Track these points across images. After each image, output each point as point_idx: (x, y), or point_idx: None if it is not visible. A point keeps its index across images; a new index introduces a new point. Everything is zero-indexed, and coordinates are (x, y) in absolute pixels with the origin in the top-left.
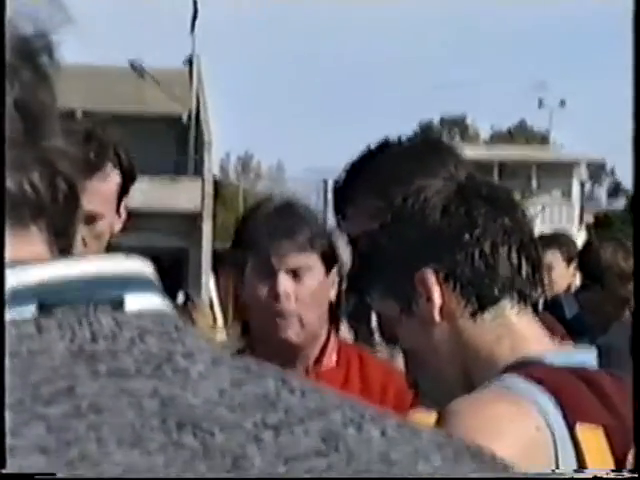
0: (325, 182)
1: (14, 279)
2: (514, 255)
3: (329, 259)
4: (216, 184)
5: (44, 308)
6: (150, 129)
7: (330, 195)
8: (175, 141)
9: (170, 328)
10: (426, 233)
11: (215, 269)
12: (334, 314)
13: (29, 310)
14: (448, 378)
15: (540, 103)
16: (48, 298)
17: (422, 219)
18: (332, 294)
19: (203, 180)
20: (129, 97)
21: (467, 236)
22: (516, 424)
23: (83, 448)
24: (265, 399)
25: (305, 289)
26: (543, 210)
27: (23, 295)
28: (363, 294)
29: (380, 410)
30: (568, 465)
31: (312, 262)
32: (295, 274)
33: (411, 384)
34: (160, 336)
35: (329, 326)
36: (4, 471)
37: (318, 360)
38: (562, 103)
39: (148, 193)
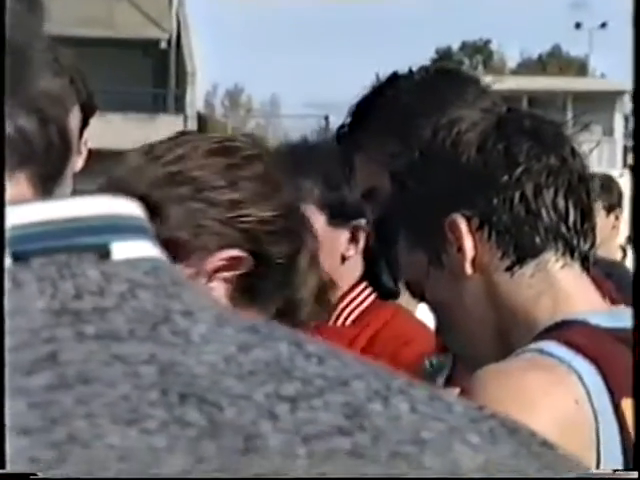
0: (326, 119)
1: None
2: (560, 199)
3: (333, 209)
4: (200, 121)
5: (20, 258)
6: (123, 57)
7: (333, 136)
8: (152, 71)
9: (166, 281)
10: (458, 173)
11: None
12: (366, 272)
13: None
14: (481, 339)
15: (577, 25)
16: (24, 246)
17: (454, 156)
18: (348, 249)
19: (185, 117)
20: (98, 19)
21: (506, 177)
22: (552, 397)
23: (71, 427)
24: (277, 366)
25: None
26: (597, 146)
27: None
28: (388, 243)
29: (408, 379)
30: (610, 446)
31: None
32: None
33: (442, 345)
34: (155, 290)
35: (353, 284)
36: (3, 471)
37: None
38: (603, 25)
39: (121, 132)
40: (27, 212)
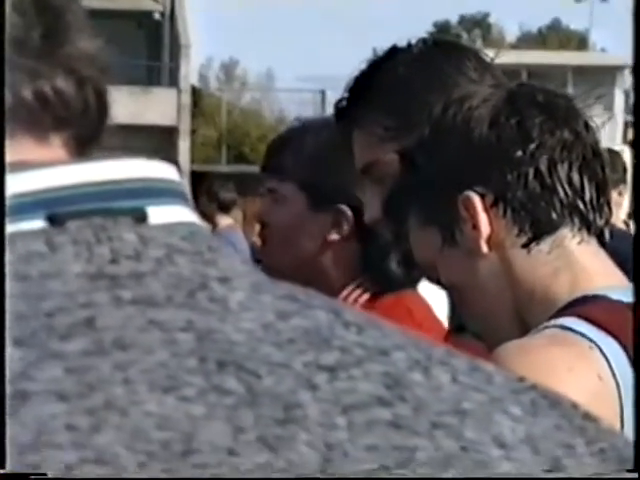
0: (323, 93)
1: (18, 184)
2: (575, 174)
3: (318, 194)
4: (194, 95)
5: (55, 221)
6: (116, 29)
7: (329, 109)
8: (146, 44)
9: (202, 247)
10: (471, 149)
11: (195, 193)
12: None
13: (37, 223)
14: (498, 317)
15: None
16: (59, 208)
17: (466, 132)
18: (331, 236)
19: (179, 90)
20: None
21: (519, 152)
22: (575, 372)
23: (108, 392)
24: (317, 335)
25: (276, 217)
26: (610, 120)
27: (29, 204)
28: (400, 222)
29: (447, 350)
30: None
31: (288, 192)
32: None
33: (457, 325)
34: (192, 256)
35: (345, 280)
36: (3, 471)
37: None
38: None
39: (114, 105)
40: (62, 174)
